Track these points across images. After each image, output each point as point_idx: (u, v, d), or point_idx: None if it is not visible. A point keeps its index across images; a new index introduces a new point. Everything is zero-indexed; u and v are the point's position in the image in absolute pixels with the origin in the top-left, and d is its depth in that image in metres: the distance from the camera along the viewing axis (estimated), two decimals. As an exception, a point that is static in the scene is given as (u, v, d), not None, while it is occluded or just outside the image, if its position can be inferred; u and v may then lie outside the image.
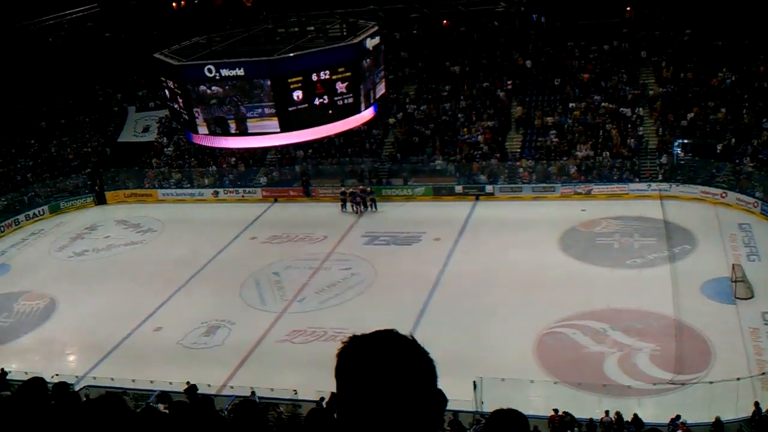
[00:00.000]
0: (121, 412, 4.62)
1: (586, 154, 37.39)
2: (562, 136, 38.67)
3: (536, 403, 19.91)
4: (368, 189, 38.03)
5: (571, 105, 39.93)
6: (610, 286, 27.02)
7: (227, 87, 21.36)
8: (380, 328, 2.14)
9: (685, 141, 36.53)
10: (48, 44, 47.94)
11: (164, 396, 20.58)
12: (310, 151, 41.93)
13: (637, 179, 36.00)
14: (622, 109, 38.76)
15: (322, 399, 20.42)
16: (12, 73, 49.01)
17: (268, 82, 21.24)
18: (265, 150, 41.86)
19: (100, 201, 43.42)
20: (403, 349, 2.06)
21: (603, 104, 39.23)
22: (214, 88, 21.37)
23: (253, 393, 21.08)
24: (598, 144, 37.66)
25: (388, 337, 2.08)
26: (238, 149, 37.63)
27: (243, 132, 21.93)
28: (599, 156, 37.18)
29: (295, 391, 21.81)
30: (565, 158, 37.57)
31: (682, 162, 36.07)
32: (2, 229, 39.90)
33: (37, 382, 5.77)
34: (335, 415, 2.10)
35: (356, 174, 40.15)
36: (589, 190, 36.18)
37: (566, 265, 29.25)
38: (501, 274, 28.69)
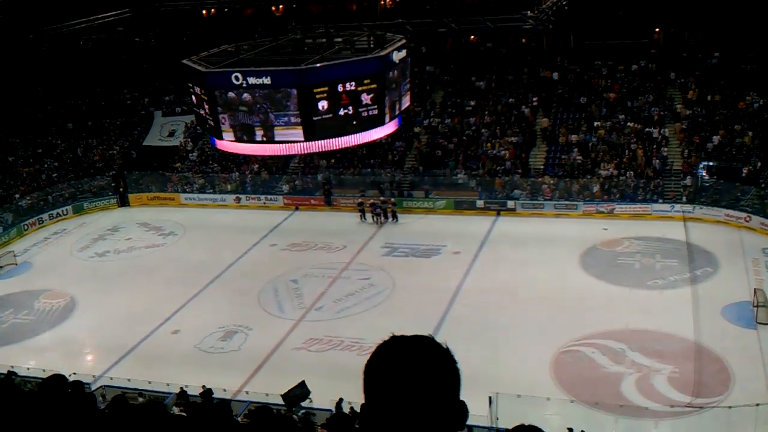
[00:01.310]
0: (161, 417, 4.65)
1: (609, 173, 37.22)
2: (587, 154, 38.53)
3: (552, 421, 19.71)
4: (391, 200, 38.06)
5: (596, 123, 39.79)
6: (630, 307, 26.81)
7: (257, 95, 21.54)
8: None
9: (711, 163, 36.27)
10: (78, 47, 48.58)
11: (182, 395, 20.74)
12: (333, 160, 42.10)
13: (661, 200, 35.78)
14: (647, 129, 38.57)
15: (341, 400, 20.51)
16: (42, 74, 49.74)
17: (295, 92, 21.39)
18: (288, 158, 42.13)
19: (123, 203, 43.82)
20: (436, 356, 2.10)
21: (629, 124, 39.06)
22: (244, 95, 21.56)
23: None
24: (623, 163, 37.48)
25: (424, 342, 2.12)
26: (262, 156, 37.95)
27: (270, 140, 22.09)
28: (623, 175, 36.99)
29: (310, 399, 21.80)
30: (588, 176, 37.42)
31: (707, 184, 35.79)
32: (26, 227, 40.38)
33: (58, 379, 5.84)
34: (360, 417, 2.12)
35: (377, 185, 40.22)
36: (611, 209, 35.99)
37: (586, 284, 29.09)
38: (520, 290, 28.57)
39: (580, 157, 38.36)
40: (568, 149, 39.09)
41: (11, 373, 22.94)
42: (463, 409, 2.11)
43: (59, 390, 5.46)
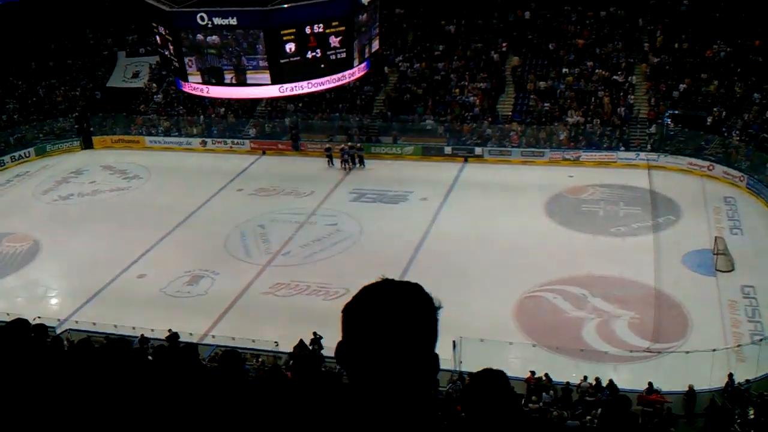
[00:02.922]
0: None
1: (576, 121, 37.37)
2: (554, 101, 38.58)
3: (514, 364, 20.12)
4: (358, 145, 37.90)
5: (564, 70, 39.76)
6: (593, 253, 27.23)
7: (225, 37, 21.18)
8: (362, 284, 2.18)
9: (676, 112, 36.55)
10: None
11: (144, 341, 20.79)
12: (301, 104, 41.66)
13: (626, 148, 36.05)
14: (614, 77, 38.66)
15: (316, 334, 20.84)
16: (2, 13, 48.11)
17: (262, 34, 21.05)
18: (255, 102, 41.57)
19: (87, 145, 43.06)
20: (421, 304, 2.09)
21: (596, 71, 39.11)
22: (211, 37, 21.17)
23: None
24: (590, 111, 37.62)
25: (412, 289, 2.11)
26: (230, 99, 37.44)
27: (241, 83, 21.79)
28: (589, 123, 37.17)
29: (276, 342, 22.01)
30: (555, 124, 37.53)
31: (672, 133, 36.12)
32: (-13, 169, 39.64)
33: (21, 323, 5.80)
34: (336, 352, 2.13)
35: (345, 130, 39.97)
36: (577, 156, 36.24)
37: (550, 231, 29.42)
38: (486, 237, 28.81)
39: (547, 105, 38.40)
40: (537, 97, 39.02)
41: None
42: (435, 362, 2.12)
43: (22, 334, 5.44)
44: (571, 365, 20.93)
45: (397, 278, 2.19)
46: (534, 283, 25.26)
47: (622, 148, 36.05)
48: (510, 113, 39.04)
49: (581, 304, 24.14)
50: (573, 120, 37.45)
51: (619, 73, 38.78)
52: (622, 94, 38.00)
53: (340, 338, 2.12)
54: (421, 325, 2.08)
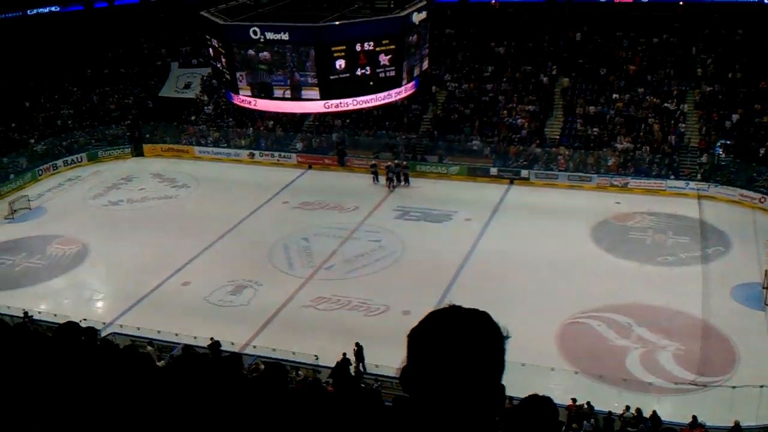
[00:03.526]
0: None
1: (625, 147, 36.95)
2: (603, 126, 38.23)
3: (555, 391, 19.84)
4: (403, 163, 37.94)
5: (614, 96, 39.42)
6: (639, 282, 26.82)
7: (276, 53, 21.45)
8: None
9: (728, 142, 35.94)
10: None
11: (188, 349, 20.96)
12: (348, 120, 41.92)
13: (676, 176, 35.51)
14: (666, 104, 38.19)
15: (345, 355, 20.85)
16: (63, 21, 49.47)
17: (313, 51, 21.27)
18: (304, 116, 41.95)
19: (138, 153, 43.84)
20: (490, 334, 2.06)
21: (647, 98, 38.68)
22: (262, 54, 21.48)
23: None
24: (639, 137, 37.19)
25: (480, 317, 2.08)
26: (276, 113, 37.83)
27: (295, 98, 22.01)
28: (639, 150, 36.72)
29: (316, 356, 22.05)
30: (604, 149, 37.16)
31: (723, 163, 35.50)
32: (40, 172, 40.57)
33: (72, 326, 5.89)
34: (401, 378, 2.10)
35: (392, 148, 40.06)
36: (625, 183, 35.80)
37: (596, 257, 29.05)
38: (530, 260, 28.55)
39: (596, 130, 38.07)
40: (586, 121, 38.75)
41: (26, 314, 23.32)
42: (502, 393, 2.07)
43: (73, 337, 5.52)
44: (613, 394, 20.57)
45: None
46: (578, 310, 24.94)
47: (672, 177, 35.50)
48: (558, 137, 38.77)
49: (626, 333, 23.75)
50: (622, 146, 37.04)
51: (670, 100, 38.31)
52: (672, 121, 37.51)
53: (405, 363, 2.08)
54: (489, 354, 2.04)
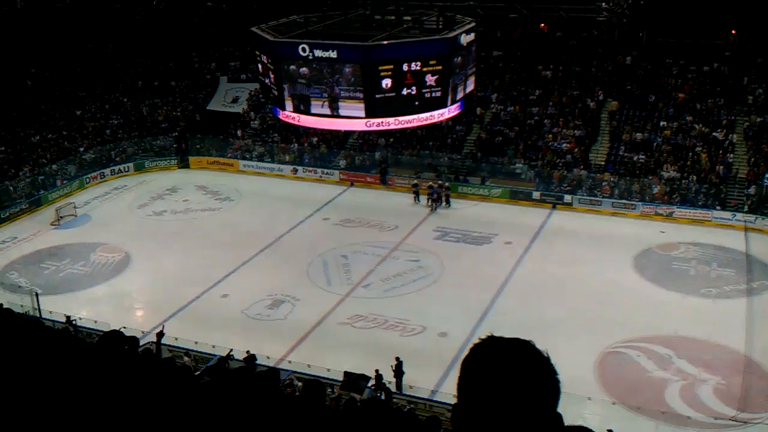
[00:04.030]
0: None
1: (672, 176, 36.44)
2: (650, 154, 37.78)
3: (591, 420, 19.54)
4: (445, 184, 37.88)
5: (662, 123, 38.96)
6: (681, 313, 26.33)
7: (314, 67, 21.62)
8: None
9: (778, 174, 35.24)
10: (151, 7, 49.25)
11: (223, 361, 21.09)
12: (392, 139, 42.06)
13: (722, 207, 34.89)
14: (714, 133, 37.62)
15: (378, 371, 20.83)
16: (114, 32, 50.60)
17: (347, 68, 21.39)
18: (347, 134, 42.21)
19: (184, 165, 44.48)
20: (537, 363, 2.03)
21: (695, 126, 38.16)
22: (302, 69, 21.67)
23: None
24: (686, 166, 36.66)
25: (524, 347, 2.05)
26: (322, 130, 38.17)
27: (334, 113, 22.16)
28: (685, 179, 36.20)
29: (350, 373, 21.99)
30: (649, 177, 36.69)
31: (772, 195, 34.81)
32: (88, 180, 41.37)
33: (115, 335, 5.96)
34: (452, 416, 2.06)
35: (434, 168, 40.05)
36: (671, 212, 35.26)
37: (638, 286, 28.62)
38: (570, 287, 28.25)
39: (643, 157, 37.63)
40: (632, 148, 38.34)
41: (68, 319, 23.68)
42: (559, 423, 2.03)
43: (116, 345, 5.58)
44: (651, 427, 20.19)
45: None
46: (617, 339, 24.55)
47: (718, 207, 34.89)
48: (603, 163, 38.39)
49: (665, 365, 23.30)
50: (668, 175, 36.54)
51: (719, 130, 37.73)
52: (721, 151, 36.92)
53: (456, 402, 2.05)
54: (539, 382, 2.01)
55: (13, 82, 46.72)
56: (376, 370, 21.18)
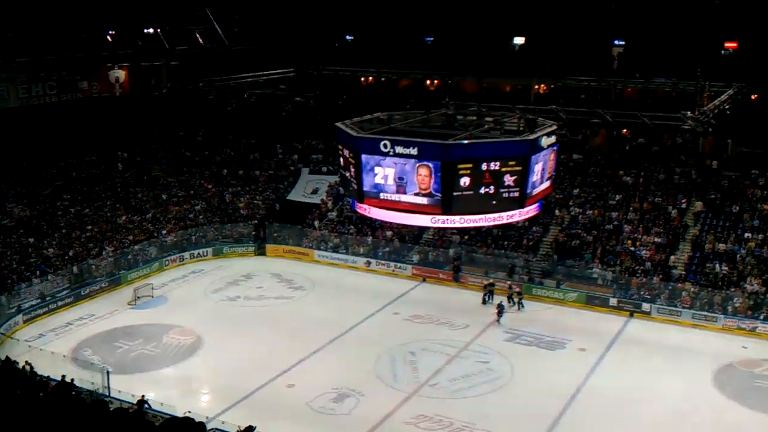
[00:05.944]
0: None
1: (756, 289, 35.09)
2: (733, 265, 36.57)
3: None
4: (518, 288, 37.22)
5: (746, 235, 37.85)
6: (765, 436, 24.88)
7: (395, 164, 21.96)
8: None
9: None
10: (242, 99, 51.41)
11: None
12: (467, 237, 42.00)
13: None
14: (803, 248, 36.30)
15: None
16: (205, 121, 52.89)
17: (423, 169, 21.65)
18: (422, 229, 42.41)
19: (260, 252, 45.28)
20: None
21: (783, 239, 36.92)
22: (383, 164, 22.06)
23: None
24: (772, 280, 35.30)
25: None
26: (398, 224, 38.45)
27: (402, 205, 22.41)
28: (771, 293, 34.80)
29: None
30: (732, 289, 35.41)
31: None
32: (167, 263, 42.42)
33: (185, 421, 5.95)
34: None
35: (510, 268, 39.60)
36: (754, 327, 33.78)
37: (718, 403, 27.24)
38: (644, 400, 27.10)
39: (726, 268, 36.45)
40: (714, 258, 37.24)
41: (143, 398, 23.73)
42: None
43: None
44: None
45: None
46: (695, 459, 23.27)
47: (807, 325, 33.29)
48: (683, 272, 37.32)
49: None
50: (752, 288, 35.20)
51: (808, 244, 36.39)
52: (810, 267, 35.49)
53: None
54: None
55: (105, 164, 48.99)
56: None
